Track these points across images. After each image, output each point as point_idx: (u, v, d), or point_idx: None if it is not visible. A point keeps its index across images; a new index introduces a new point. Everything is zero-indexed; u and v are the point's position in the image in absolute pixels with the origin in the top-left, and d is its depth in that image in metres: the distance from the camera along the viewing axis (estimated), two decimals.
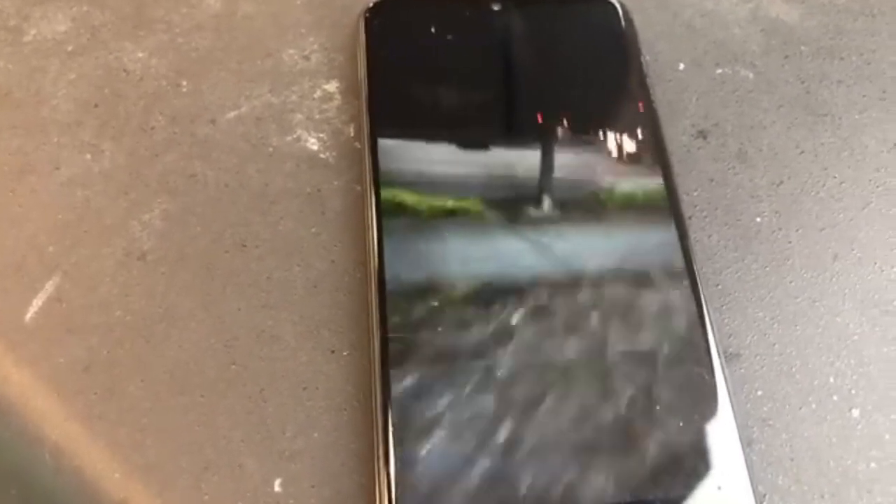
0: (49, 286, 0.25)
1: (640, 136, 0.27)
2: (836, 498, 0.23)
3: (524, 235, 0.25)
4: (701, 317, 0.24)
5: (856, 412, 0.24)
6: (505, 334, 0.23)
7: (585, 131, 0.27)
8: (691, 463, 0.22)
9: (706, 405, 0.23)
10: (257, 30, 0.30)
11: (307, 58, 0.29)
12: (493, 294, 0.24)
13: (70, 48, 0.29)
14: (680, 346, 0.24)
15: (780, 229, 0.27)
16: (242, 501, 0.22)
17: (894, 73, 0.30)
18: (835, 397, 0.24)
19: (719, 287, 0.26)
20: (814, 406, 0.24)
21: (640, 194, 0.26)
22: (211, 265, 0.25)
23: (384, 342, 0.23)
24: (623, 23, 0.29)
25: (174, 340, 0.24)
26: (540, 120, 0.27)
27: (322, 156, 0.27)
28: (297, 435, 0.23)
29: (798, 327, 0.25)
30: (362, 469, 0.22)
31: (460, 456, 0.21)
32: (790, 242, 0.27)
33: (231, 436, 0.23)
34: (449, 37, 0.29)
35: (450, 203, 0.25)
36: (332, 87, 0.29)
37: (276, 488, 0.22)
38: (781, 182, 0.28)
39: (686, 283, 0.24)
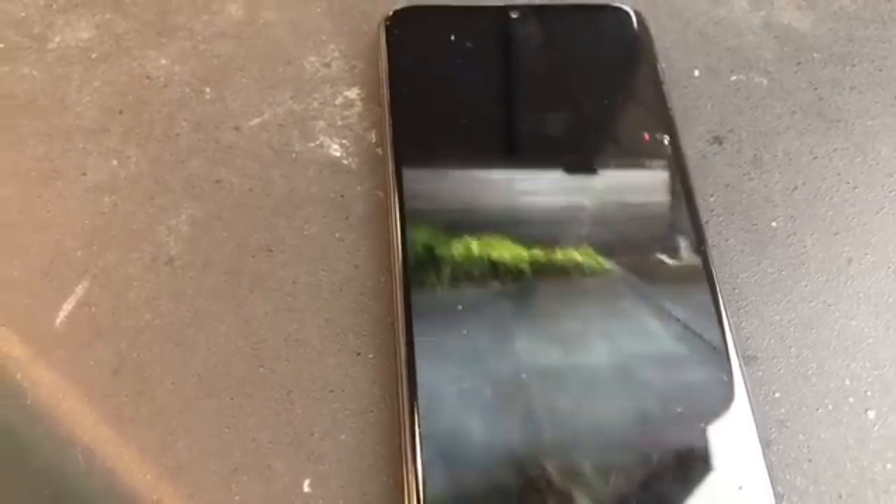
0: (78, 290, 0.25)
1: (657, 143, 0.27)
2: (853, 498, 0.23)
3: (544, 241, 0.25)
4: (719, 320, 0.24)
5: (871, 414, 0.25)
6: (529, 339, 0.24)
7: (604, 138, 0.28)
8: (712, 463, 0.22)
9: (726, 407, 0.23)
10: (278, 37, 0.30)
11: (328, 65, 0.30)
12: (517, 295, 0.24)
13: (94, 55, 0.30)
14: (699, 349, 0.24)
15: (795, 234, 0.27)
16: (272, 502, 0.22)
17: None
18: (851, 399, 0.25)
19: (736, 290, 0.26)
20: (830, 408, 0.25)
21: (659, 199, 0.26)
22: (237, 270, 0.26)
23: (410, 345, 0.23)
24: (639, 31, 0.30)
25: (202, 344, 0.25)
26: (558, 126, 0.28)
27: (345, 162, 0.28)
28: (325, 436, 0.23)
29: (814, 330, 0.26)
30: (389, 470, 0.23)
31: (487, 456, 0.22)
32: (805, 247, 0.27)
33: (260, 438, 0.23)
34: (468, 44, 0.29)
35: (471, 207, 0.26)
36: (353, 93, 0.29)
37: (306, 489, 0.23)
38: (796, 187, 0.28)
39: (704, 286, 0.25)
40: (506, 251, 0.25)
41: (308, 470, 0.23)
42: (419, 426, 0.22)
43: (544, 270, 0.25)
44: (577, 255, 0.25)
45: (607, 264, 0.25)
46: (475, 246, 0.25)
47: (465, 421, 0.22)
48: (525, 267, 0.25)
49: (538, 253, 0.25)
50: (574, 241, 0.25)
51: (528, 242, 0.25)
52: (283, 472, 0.23)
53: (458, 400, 0.23)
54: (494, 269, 0.25)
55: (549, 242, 0.25)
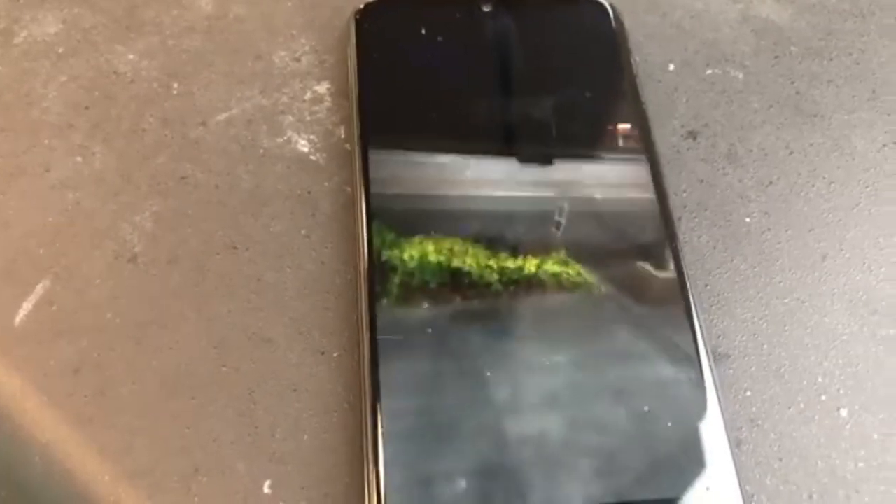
0: (39, 289, 0.25)
1: (629, 137, 0.27)
2: (823, 498, 0.23)
3: (513, 234, 0.25)
4: (689, 317, 0.24)
5: (844, 412, 0.24)
6: (493, 337, 0.23)
7: (576, 132, 0.27)
8: (680, 464, 0.22)
9: (694, 406, 0.23)
10: (248, 32, 0.30)
11: (298, 59, 0.29)
12: (480, 292, 0.24)
13: (61, 50, 0.29)
14: (668, 347, 0.24)
15: (769, 230, 0.27)
16: None
17: (884, 73, 0.30)
18: (823, 397, 0.24)
19: (708, 287, 0.26)
20: (802, 406, 0.24)
21: (630, 195, 0.26)
22: (202, 267, 0.25)
23: (373, 343, 0.23)
24: (613, 24, 0.29)
25: (165, 343, 0.24)
26: (530, 121, 0.28)
27: (312, 157, 0.27)
28: (287, 437, 0.23)
29: (787, 327, 0.25)
30: (352, 471, 0.23)
31: (449, 457, 0.21)
32: (779, 243, 0.27)
33: (221, 438, 0.23)
34: (439, 38, 0.29)
35: (438, 204, 0.25)
36: (322, 88, 0.29)
37: (266, 490, 0.22)
38: (771, 182, 0.28)
39: (675, 283, 0.24)
40: (470, 258, 0.24)
41: (269, 471, 0.23)
42: (381, 426, 0.22)
43: (511, 275, 0.24)
44: (549, 260, 0.25)
45: (576, 263, 0.25)
46: (431, 248, 0.24)
47: (427, 422, 0.22)
48: (489, 274, 0.24)
49: (506, 258, 0.24)
50: (548, 242, 0.25)
51: (496, 245, 0.25)
52: (244, 473, 0.23)
53: (421, 400, 0.22)
54: (456, 274, 0.24)
55: (519, 245, 0.25)
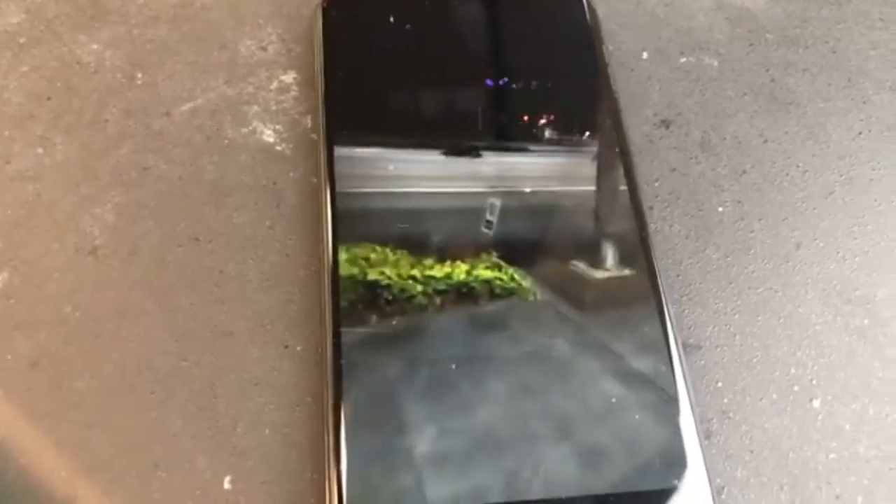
0: None
1: (600, 126, 0.26)
2: (794, 490, 0.23)
3: (480, 223, 0.25)
4: (660, 308, 0.24)
5: (816, 403, 0.24)
6: (458, 331, 0.23)
7: (546, 122, 0.27)
8: (649, 456, 0.22)
9: (664, 398, 0.22)
10: (215, 20, 0.29)
11: (264, 48, 0.29)
12: (445, 286, 0.23)
13: (23, 40, 0.29)
14: (638, 338, 0.23)
15: (742, 219, 0.27)
16: (192, 499, 0.22)
17: (859, 61, 0.30)
18: (795, 388, 0.24)
19: (680, 277, 0.26)
20: (774, 397, 0.24)
21: (600, 184, 0.26)
22: (163, 260, 0.25)
23: (336, 337, 0.22)
24: (586, 12, 0.29)
25: (124, 336, 0.24)
26: (500, 111, 0.27)
27: (278, 148, 0.27)
28: (249, 431, 0.23)
29: (759, 318, 0.25)
30: (314, 466, 0.22)
31: (411, 452, 0.21)
32: (752, 232, 0.26)
33: (181, 433, 0.22)
34: (407, 27, 0.28)
35: (404, 194, 0.25)
36: (289, 77, 0.28)
37: (226, 485, 0.22)
38: (744, 171, 0.28)
39: (645, 273, 0.24)
40: (395, 267, 0.24)
41: (230, 466, 0.22)
42: (344, 420, 0.21)
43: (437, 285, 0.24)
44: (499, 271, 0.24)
45: (550, 248, 0.24)
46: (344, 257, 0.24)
47: (389, 416, 0.21)
48: (413, 287, 0.24)
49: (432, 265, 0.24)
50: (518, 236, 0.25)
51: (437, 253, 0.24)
52: (205, 467, 0.22)
53: (384, 393, 0.22)
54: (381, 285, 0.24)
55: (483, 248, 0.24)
